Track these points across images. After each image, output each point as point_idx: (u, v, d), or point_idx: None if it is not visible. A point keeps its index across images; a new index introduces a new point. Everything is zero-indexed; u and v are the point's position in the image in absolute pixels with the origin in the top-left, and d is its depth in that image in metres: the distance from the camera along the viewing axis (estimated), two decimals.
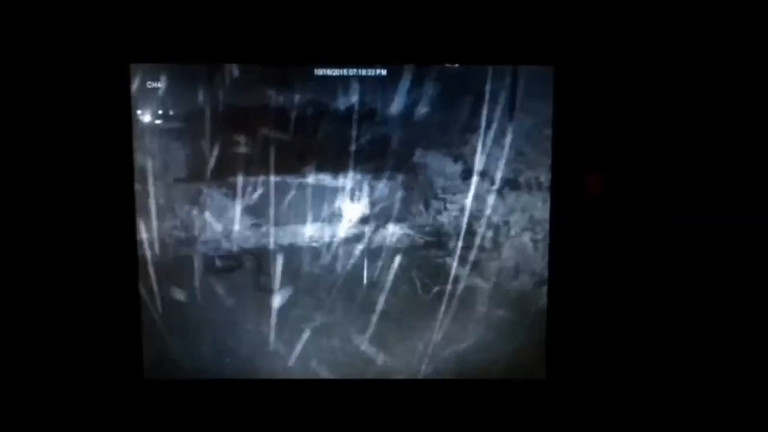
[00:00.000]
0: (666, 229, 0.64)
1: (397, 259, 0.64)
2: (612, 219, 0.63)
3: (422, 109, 0.62)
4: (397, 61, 0.61)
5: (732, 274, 0.63)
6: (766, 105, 0.61)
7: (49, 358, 0.64)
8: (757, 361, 0.64)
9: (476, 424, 0.66)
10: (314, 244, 0.64)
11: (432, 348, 0.65)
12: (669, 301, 0.64)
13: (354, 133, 0.62)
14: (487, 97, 0.62)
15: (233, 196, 0.63)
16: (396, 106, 0.62)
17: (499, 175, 0.63)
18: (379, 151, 0.62)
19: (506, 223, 0.64)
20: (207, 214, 0.63)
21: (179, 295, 0.64)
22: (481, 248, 0.64)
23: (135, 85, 0.61)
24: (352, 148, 0.62)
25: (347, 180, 0.63)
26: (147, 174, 0.62)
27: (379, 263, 0.64)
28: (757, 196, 0.63)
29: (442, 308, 0.65)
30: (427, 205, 0.64)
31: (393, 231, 0.64)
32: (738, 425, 0.64)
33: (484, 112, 0.62)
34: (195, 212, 0.63)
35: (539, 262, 0.64)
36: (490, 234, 0.64)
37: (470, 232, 0.64)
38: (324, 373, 0.66)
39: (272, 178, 0.63)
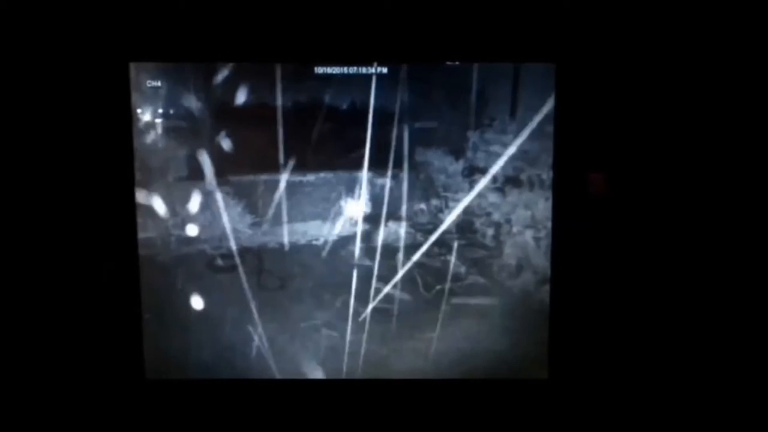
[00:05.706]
0: (667, 229, 0.63)
1: (399, 258, 0.64)
2: (614, 217, 0.63)
3: (423, 107, 0.62)
4: (398, 59, 0.61)
5: (733, 274, 0.63)
6: (766, 104, 0.61)
7: (51, 358, 0.64)
8: (759, 361, 0.63)
9: (478, 424, 0.65)
10: (315, 242, 0.64)
11: (433, 347, 0.65)
12: (672, 300, 0.64)
13: (355, 131, 0.62)
14: (488, 95, 0.62)
15: (234, 195, 0.63)
16: (397, 104, 0.62)
17: (500, 173, 0.63)
18: (380, 149, 0.62)
19: (508, 221, 0.63)
20: (208, 213, 0.63)
21: (180, 294, 0.64)
22: (483, 246, 0.64)
23: (134, 84, 0.61)
24: (353, 146, 0.62)
25: (348, 178, 0.63)
26: (147, 173, 0.62)
27: (381, 261, 0.64)
28: (758, 196, 0.62)
29: (444, 307, 0.64)
30: (428, 203, 0.63)
31: (394, 229, 0.64)
32: (739, 425, 0.63)
33: (486, 110, 0.62)
34: (196, 211, 0.63)
35: (541, 261, 0.64)
36: (491, 232, 0.64)
37: (472, 231, 0.64)
38: (324, 373, 0.65)
39: (273, 177, 0.62)
